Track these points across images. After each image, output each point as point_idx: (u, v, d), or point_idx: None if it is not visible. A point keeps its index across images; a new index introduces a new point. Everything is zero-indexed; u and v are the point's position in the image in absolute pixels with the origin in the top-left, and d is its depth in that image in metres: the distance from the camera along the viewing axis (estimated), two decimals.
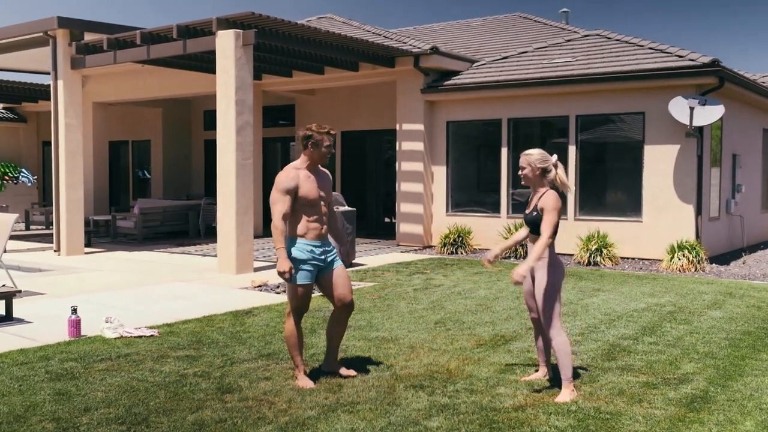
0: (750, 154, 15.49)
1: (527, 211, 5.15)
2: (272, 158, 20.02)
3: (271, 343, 6.44)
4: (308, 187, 5.11)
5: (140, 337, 6.66)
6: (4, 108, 23.48)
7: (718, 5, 59.29)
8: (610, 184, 13.31)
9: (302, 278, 5.11)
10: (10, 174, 22.51)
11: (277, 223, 5.01)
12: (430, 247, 14.80)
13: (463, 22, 23.11)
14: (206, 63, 14.35)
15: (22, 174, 22.68)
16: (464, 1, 62.08)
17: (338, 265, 5.31)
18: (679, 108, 11.96)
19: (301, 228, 5.11)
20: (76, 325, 6.65)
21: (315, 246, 5.12)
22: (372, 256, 13.30)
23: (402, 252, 14.05)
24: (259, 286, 9.71)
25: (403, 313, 7.85)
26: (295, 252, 5.09)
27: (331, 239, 5.41)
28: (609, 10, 61.69)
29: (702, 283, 10.09)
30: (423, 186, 14.80)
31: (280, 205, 5.03)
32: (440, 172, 14.93)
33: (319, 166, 5.30)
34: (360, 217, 17.59)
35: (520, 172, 5.20)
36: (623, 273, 11.17)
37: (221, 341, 6.53)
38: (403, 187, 15.06)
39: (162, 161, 21.07)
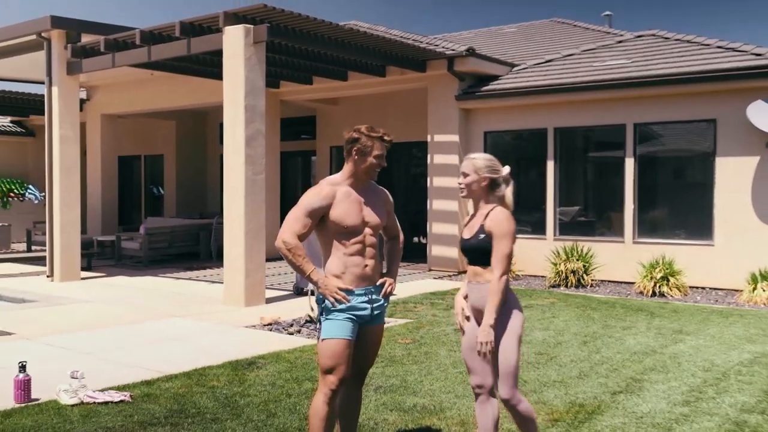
0: None
1: (467, 237, 3.83)
2: (291, 174, 18.54)
3: (276, 415, 4.86)
4: (345, 208, 3.63)
5: (106, 403, 5.12)
6: (11, 121, 22.29)
7: None
8: (675, 201, 11.62)
9: (336, 330, 3.58)
10: (16, 191, 21.27)
11: (289, 239, 3.55)
12: (466, 272, 13.15)
13: (496, 29, 21.60)
14: (219, 68, 12.92)
15: (28, 191, 21.41)
16: (495, 10, 60.62)
17: (380, 322, 3.82)
18: (760, 113, 10.27)
19: (334, 265, 3.63)
20: (23, 386, 5.13)
21: (355, 293, 3.62)
22: (402, 283, 11.70)
23: (435, 279, 12.43)
24: (269, 324, 8.15)
25: (446, 365, 6.24)
26: (325, 301, 3.63)
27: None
28: (654, 15, 59.79)
29: None
30: (458, 204, 13.21)
31: (296, 224, 3.59)
32: None
33: (372, 181, 3.84)
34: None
35: (460, 181, 3.85)
36: (699, 307, 9.45)
37: (210, 411, 4.96)
38: (435, 205, 13.47)
39: (175, 177, 19.70)
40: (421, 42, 13.78)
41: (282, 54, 11.94)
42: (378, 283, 3.72)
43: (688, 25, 62.65)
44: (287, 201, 18.17)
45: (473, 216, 3.88)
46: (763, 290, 9.92)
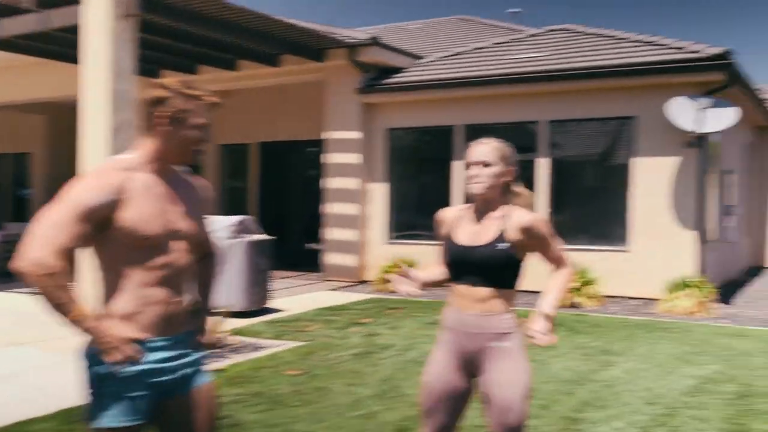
0: (735, 173, 13.36)
1: (473, 244, 2.87)
2: None
3: None
4: (144, 208, 2.31)
5: None
6: None
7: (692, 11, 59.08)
8: (590, 204, 10.85)
9: (114, 413, 2.29)
10: None
11: (48, 259, 2.16)
12: (365, 282, 12.03)
13: (401, 24, 20.66)
14: None
15: None
16: (397, 11, 60.09)
17: (201, 382, 2.48)
18: (681, 111, 9.61)
19: (122, 301, 2.32)
20: None
21: (154, 346, 2.33)
22: (293, 296, 10.43)
23: (331, 290, 11.22)
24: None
25: (342, 406, 5.04)
26: (101, 363, 2.28)
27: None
28: (562, 14, 60.55)
29: (730, 336, 7.65)
30: (357, 207, 12.06)
31: (58, 234, 2.20)
32: (379, 190, 12.22)
33: (183, 169, 2.54)
34: (280, 244, 14.69)
35: (478, 173, 2.88)
36: (620, 320, 8.63)
37: None
38: (332, 208, 12.28)
39: (44, 178, 17.67)
40: (320, 30, 12.58)
41: (160, 35, 10.47)
42: (191, 329, 2.49)
43: (596, 25, 63.90)
44: None
45: (478, 222, 2.92)
46: (683, 299, 9.23)
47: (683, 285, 9.38)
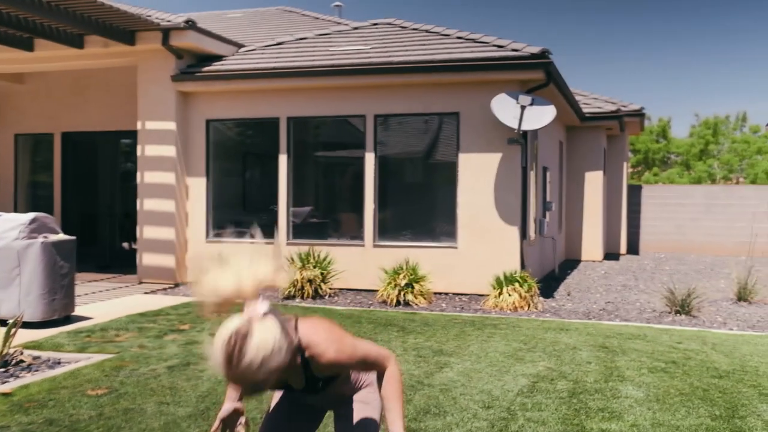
0: (551, 169, 13.87)
1: None
2: None
3: None
4: None
5: None
6: None
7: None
8: (418, 201, 10.73)
9: None
10: None
11: None
12: (185, 284, 11.20)
13: (219, 12, 19.78)
14: None
15: None
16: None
17: None
18: (503, 107, 9.69)
19: None
20: None
21: None
22: (103, 302, 9.44)
23: (146, 293, 10.30)
24: None
25: (153, 431, 4.39)
26: None
27: None
28: (388, 11, 61.22)
29: (555, 330, 7.73)
30: (175, 204, 11.19)
31: None
32: (198, 186, 11.42)
33: None
34: (89, 244, 13.44)
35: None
36: (450, 318, 8.52)
37: None
38: (147, 204, 11.33)
39: None
40: (131, 11, 11.53)
41: None
42: None
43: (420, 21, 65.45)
44: None
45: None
46: (509, 294, 9.31)
47: (508, 280, 9.46)
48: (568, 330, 7.76)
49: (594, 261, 16.12)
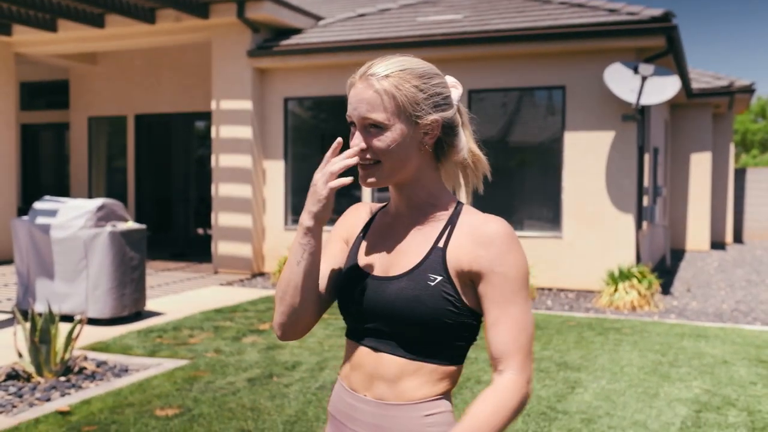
0: (660, 151, 12.56)
1: (381, 274, 1.52)
2: (36, 151, 14.67)
3: None
4: None
5: None
6: None
7: None
8: (516, 185, 9.67)
9: None
10: None
11: None
12: (263, 275, 10.44)
13: None
14: None
15: None
16: None
17: None
18: (619, 79, 8.51)
19: None
20: None
21: None
22: (176, 294, 8.73)
23: (222, 285, 9.56)
24: None
25: None
26: None
27: None
28: None
29: (692, 337, 6.58)
30: (251, 188, 10.42)
31: None
32: (276, 170, 10.62)
33: None
34: (163, 231, 12.88)
35: (360, 144, 1.49)
36: (562, 318, 7.45)
37: None
38: (222, 189, 10.58)
39: None
40: None
41: None
42: None
43: None
44: (32, 186, 14.40)
45: (387, 226, 1.60)
46: (626, 292, 8.18)
47: (624, 275, 8.32)
48: (706, 337, 6.61)
49: (700, 251, 14.72)
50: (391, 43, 9.63)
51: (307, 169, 10.68)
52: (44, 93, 14.31)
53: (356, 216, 1.65)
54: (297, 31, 10.79)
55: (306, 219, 1.47)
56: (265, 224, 10.63)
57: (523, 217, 9.51)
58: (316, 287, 1.52)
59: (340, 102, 10.37)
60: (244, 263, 10.40)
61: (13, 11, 10.34)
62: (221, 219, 10.56)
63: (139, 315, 7.30)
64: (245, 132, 10.41)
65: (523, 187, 9.65)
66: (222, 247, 10.54)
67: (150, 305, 7.77)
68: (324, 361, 5.55)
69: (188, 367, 5.39)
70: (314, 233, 1.48)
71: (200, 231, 13.18)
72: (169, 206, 13.29)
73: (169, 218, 13.21)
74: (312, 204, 1.46)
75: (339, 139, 1.47)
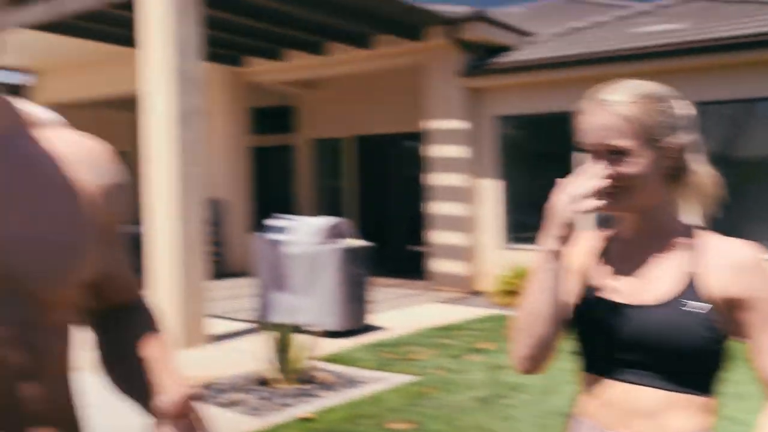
0: None
1: (647, 303, 1.43)
2: (265, 171, 15.82)
3: None
4: None
5: None
6: None
7: None
8: (750, 204, 8.94)
9: None
10: None
11: None
12: (478, 293, 10.46)
13: (498, 10, 19.02)
14: None
15: None
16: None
17: None
18: None
19: None
20: None
21: None
22: (396, 310, 8.99)
23: (439, 302, 9.71)
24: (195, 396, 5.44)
25: None
26: None
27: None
28: None
29: None
30: (466, 207, 10.51)
31: None
32: (491, 188, 10.63)
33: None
34: (380, 248, 13.32)
35: (596, 176, 1.47)
36: None
37: None
38: (436, 208, 10.77)
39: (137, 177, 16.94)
40: (417, 4, 11.09)
41: (241, 14, 9.22)
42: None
43: None
44: (262, 205, 15.51)
45: (622, 251, 1.55)
46: None
47: None
48: None
49: None
50: (607, 57, 9.33)
51: (524, 187, 10.59)
52: (271, 118, 15.39)
53: (585, 243, 1.61)
54: (507, 48, 10.78)
55: (551, 243, 1.45)
56: (480, 243, 10.67)
57: (761, 238, 8.76)
58: (561, 316, 1.47)
59: (555, 119, 10.18)
60: (460, 281, 10.49)
61: (245, 44, 11.26)
62: (436, 237, 10.74)
63: (365, 329, 7.59)
64: (458, 151, 10.54)
65: (757, 206, 8.90)
66: (437, 265, 10.72)
67: (374, 320, 8.06)
68: (551, 385, 5.43)
69: (416, 383, 5.51)
70: (559, 258, 1.46)
71: (414, 248, 13.50)
72: (385, 224, 13.76)
73: (385, 236, 13.66)
74: (556, 227, 1.44)
75: (585, 165, 1.47)
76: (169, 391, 1.03)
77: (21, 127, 1.04)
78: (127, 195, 1.16)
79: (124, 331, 1.19)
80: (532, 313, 1.47)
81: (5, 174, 0.97)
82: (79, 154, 1.09)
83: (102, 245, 1.10)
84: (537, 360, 1.50)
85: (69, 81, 14.23)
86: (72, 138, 1.10)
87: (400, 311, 8.91)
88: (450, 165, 10.63)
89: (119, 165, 1.16)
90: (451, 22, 10.11)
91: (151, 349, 1.15)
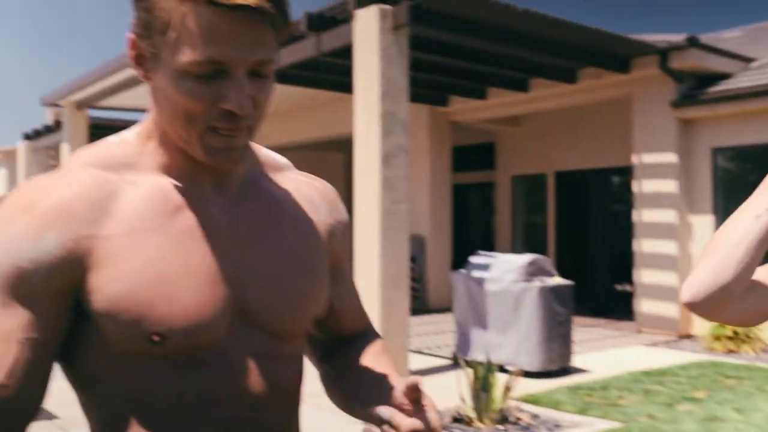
0: None
1: None
2: (464, 208, 15.98)
3: None
4: (144, 262, 0.98)
5: None
6: None
7: None
8: None
9: None
10: None
11: None
12: (690, 337, 9.79)
13: (711, 35, 17.90)
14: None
15: None
16: (713, 11, 54.66)
17: None
18: None
19: None
20: None
21: None
22: (599, 352, 8.65)
23: (646, 345, 9.21)
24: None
25: None
26: None
27: None
28: None
29: None
30: (677, 245, 9.93)
31: None
32: (704, 225, 9.98)
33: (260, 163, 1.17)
34: (581, 286, 12.95)
35: None
36: None
37: None
38: (644, 245, 10.26)
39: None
40: (626, 36, 10.76)
41: (446, 55, 9.45)
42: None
43: None
44: (463, 243, 15.69)
45: None
46: None
47: None
48: None
49: None
50: None
51: None
52: (472, 155, 15.55)
53: None
54: (724, 76, 10.12)
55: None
56: None
57: None
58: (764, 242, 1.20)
59: None
60: (670, 323, 9.89)
61: (449, 83, 11.51)
62: (644, 276, 10.23)
63: (566, 370, 7.37)
64: (669, 185, 10.01)
65: None
66: (645, 306, 10.18)
67: (575, 361, 7.81)
68: None
69: (621, 430, 5.26)
70: None
71: (619, 287, 12.95)
72: (586, 262, 13.34)
73: (587, 274, 13.23)
74: None
75: None
76: (401, 383, 1.06)
77: (262, 169, 1.16)
78: (350, 232, 1.26)
79: (353, 353, 1.26)
80: (738, 238, 1.21)
81: (252, 213, 1.09)
82: (310, 194, 1.20)
83: (331, 281, 1.21)
84: (719, 298, 1.21)
85: (282, 125, 15.31)
86: (302, 179, 1.22)
87: (603, 353, 8.56)
88: (659, 200, 10.12)
89: (343, 204, 1.26)
90: (662, 52, 9.70)
91: (380, 366, 1.21)
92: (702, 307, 1.21)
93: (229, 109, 0.96)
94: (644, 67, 9.99)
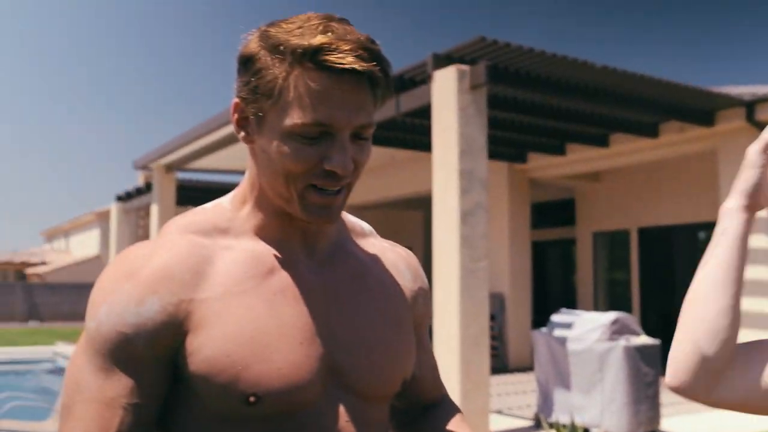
0: None
1: None
2: (544, 265, 15.75)
3: None
4: (239, 325, 1.02)
5: None
6: None
7: None
8: None
9: None
10: None
11: None
12: None
13: None
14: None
15: None
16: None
17: None
18: None
19: None
20: None
21: None
22: (689, 415, 8.29)
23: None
24: None
25: None
26: None
27: None
28: None
29: None
30: None
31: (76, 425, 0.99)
32: None
33: (347, 227, 1.23)
34: (668, 344, 12.47)
35: None
36: None
37: None
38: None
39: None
40: (711, 89, 10.58)
41: (524, 112, 9.48)
42: None
43: None
44: (543, 301, 15.43)
45: None
46: None
47: None
48: None
49: None
50: None
51: None
52: (551, 211, 15.39)
53: None
54: None
55: (735, 198, 1.10)
56: None
57: None
58: (737, 294, 1.05)
59: None
60: None
61: (527, 141, 11.51)
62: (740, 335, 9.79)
63: None
64: (760, 241, 9.65)
65: None
66: None
67: (664, 424, 7.50)
68: None
69: None
70: (737, 215, 1.08)
71: None
72: (674, 319, 12.88)
73: (672, 331, 12.76)
74: (743, 180, 1.10)
75: None
76: None
77: (348, 234, 1.21)
78: (431, 299, 1.29)
79: (434, 421, 1.28)
80: (708, 287, 1.05)
81: (342, 276, 1.14)
82: (394, 260, 1.24)
83: (416, 348, 1.25)
84: (705, 371, 1.03)
85: (362, 184, 15.55)
86: (386, 245, 1.27)
87: (693, 416, 8.20)
88: (750, 255, 9.75)
89: (423, 272, 1.29)
90: (748, 104, 9.48)
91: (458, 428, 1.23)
92: (689, 389, 1.06)
93: (332, 170, 1.01)
94: (729, 120, 9.78)
